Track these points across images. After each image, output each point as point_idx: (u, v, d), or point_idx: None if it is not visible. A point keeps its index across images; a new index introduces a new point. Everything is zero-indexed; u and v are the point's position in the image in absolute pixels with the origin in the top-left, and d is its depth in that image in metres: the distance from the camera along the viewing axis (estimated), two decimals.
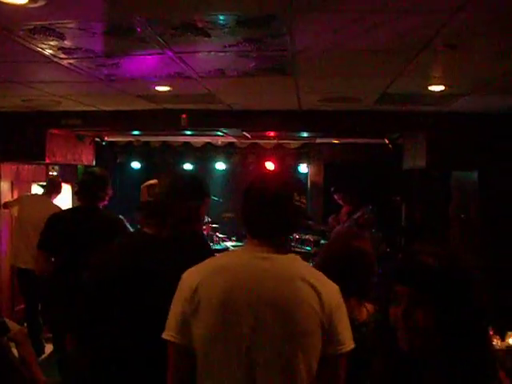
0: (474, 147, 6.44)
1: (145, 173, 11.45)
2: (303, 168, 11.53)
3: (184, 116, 6.92)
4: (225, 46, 3.87)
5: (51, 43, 3.76)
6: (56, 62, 4.33)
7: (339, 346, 2.05)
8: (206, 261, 2.18)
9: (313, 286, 2.04)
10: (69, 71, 4.65)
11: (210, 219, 9.70)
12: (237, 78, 4.96)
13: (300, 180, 2.41)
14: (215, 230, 9.95)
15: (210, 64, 4.46)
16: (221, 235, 9.99)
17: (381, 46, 3.78)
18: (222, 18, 3.23)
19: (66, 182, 8.82)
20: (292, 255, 2.20)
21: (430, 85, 4.97)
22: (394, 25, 3.26)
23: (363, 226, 8.11)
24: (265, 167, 11.58)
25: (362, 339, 2.63)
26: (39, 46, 3.82)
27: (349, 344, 2.08)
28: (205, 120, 7.16)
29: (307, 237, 9.32)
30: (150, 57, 4.21)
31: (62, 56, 4.16)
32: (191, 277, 2.11)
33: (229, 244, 9.92)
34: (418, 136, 6.92)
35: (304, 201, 2.20)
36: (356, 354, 2.17)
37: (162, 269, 2.59)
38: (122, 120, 7.21)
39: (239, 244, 10.64)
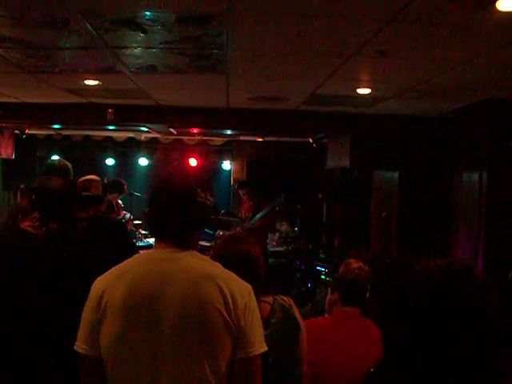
0: (396, 148, 6.70)
1: None
2: (226, 165, 11.60)
3: (110, 110, 6.81)
4: (160, 43, 3.86)
5: None
6: None
7: (249, 348, 2.00)
8: (115, 267, 2.14)
9: (219, 287, 2.01)
10: None
11: (131, 216, 9.57)
12: (168, 75, 4.95)
13: (204, 178, 2.40)
14: (138, 226, 9.81)
15: (142, 60, 4.42)
16: (144, 232, 9.87)
17: (314, 50, 3.89)
18: (161, 15, 3.23)
19: None
20: (200, 255, 2.18)
21: (358, 88, 5.15)
22: (329, 30, 3.36)
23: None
24: (188, 163, 11.56)
25: (272, 333, 2.54)
26: None
27: (259, 346, 2.03)
28: (131, 115, 7.07)
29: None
30: (82, 50, 4.13)
31: None
32: (97, 285, 2.07)
33: (151, 241, 9.81)
34: (343, 136, 7.11)
35: (210, 197, 2.20)
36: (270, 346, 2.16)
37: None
38: (45, 113, 6.99)
39: None
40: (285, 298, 2.83)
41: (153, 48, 4.01)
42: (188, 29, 3.45)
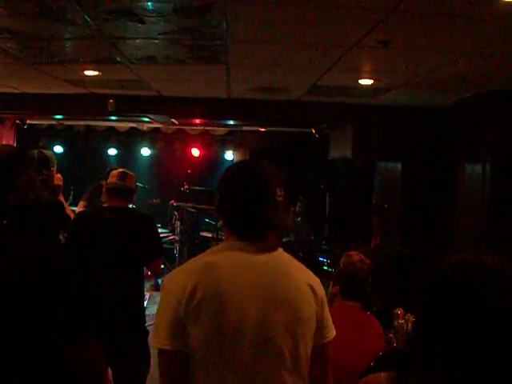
0: (398, 139, 6.65)
1: (67, 157, 11.13)
2: (229, 155, 11.53)
3: (111, 101, 6.76)
4: (159, 34, 3.81)
5: None
6: None
7: (328, 333, 2.12)
8: (192, 260, 2.07)
9: (305, 279, 2.06)
10: None
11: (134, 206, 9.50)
12: (168, 66, 4.89)
13: (278, 170, 2.21)
14: None
15: (141, 50, 4.37)
16: None
17: (315, 40, 3.83)
18: (158, 5, 3.18)
19: None
20: (279, 249, 2.11)
21: (360, 78, 5.09)
22: (330, 19, 3.31)
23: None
24: (190, 153, 11.51)
25: None
26: None
27: (333, 332, 2.15)
28: (132, 105, 7.02)
29: None
30: (80, 40, 4.08)
31: None
32: (182, 277, 1.99)
33: None
34: (345, 127, 7.06)
35: (283, 193, 2.06)
36: None
37: None
38: (46, 104, 6.95)
39: (164, 231, 10.53)
40: None
41: (151, 39, 3.95)
42: (186, 19, 3.40)
